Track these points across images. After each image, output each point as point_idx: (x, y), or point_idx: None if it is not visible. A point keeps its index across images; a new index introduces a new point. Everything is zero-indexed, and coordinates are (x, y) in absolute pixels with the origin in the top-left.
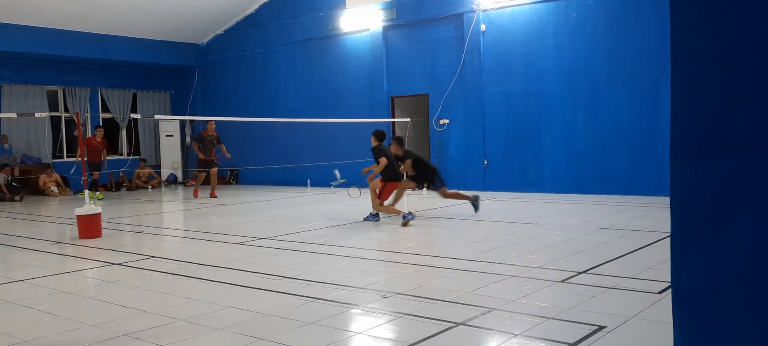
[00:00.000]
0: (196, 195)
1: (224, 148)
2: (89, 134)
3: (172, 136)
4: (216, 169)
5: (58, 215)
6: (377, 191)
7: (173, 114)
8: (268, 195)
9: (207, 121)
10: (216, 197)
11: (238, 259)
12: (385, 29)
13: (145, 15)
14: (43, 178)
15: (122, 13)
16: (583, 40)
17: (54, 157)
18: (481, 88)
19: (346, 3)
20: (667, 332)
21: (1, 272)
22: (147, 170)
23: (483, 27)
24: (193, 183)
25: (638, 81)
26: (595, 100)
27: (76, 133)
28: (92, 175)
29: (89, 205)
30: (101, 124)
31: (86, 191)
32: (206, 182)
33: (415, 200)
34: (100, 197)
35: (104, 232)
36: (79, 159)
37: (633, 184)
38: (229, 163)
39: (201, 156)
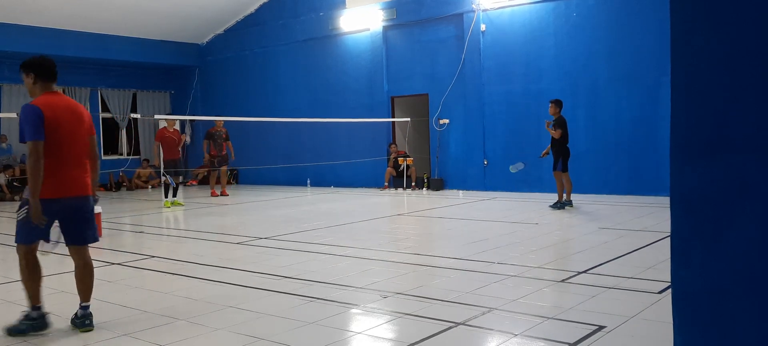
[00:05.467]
0: (214, 194)
1: (232, 146)
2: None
3: None
4: (226, 167)
5: None
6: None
7: (173, 114)
8: (268, 195)
9: (215, 120)
10: (227, 195)
11: (238, 259)
12: (385, 29)
13: (145, 15)
14: None
15: (122, 13)
16: (583, 40)
17: None
18: (481, 88)
19: (346, 3)
20: (667, 332)
21: (1, 272)
22: (148, 170)
23: (483, 27)
24: (194, 183)
25: (638, 81)
26: (595, 100)
27: None
28: (170, 176)
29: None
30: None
31: (166, 199)
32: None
33: (415, 199)
34: (180, 203)
35: (104, 232)
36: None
37: (633, 184)
38: (230, 164)
39: (213, 153)
